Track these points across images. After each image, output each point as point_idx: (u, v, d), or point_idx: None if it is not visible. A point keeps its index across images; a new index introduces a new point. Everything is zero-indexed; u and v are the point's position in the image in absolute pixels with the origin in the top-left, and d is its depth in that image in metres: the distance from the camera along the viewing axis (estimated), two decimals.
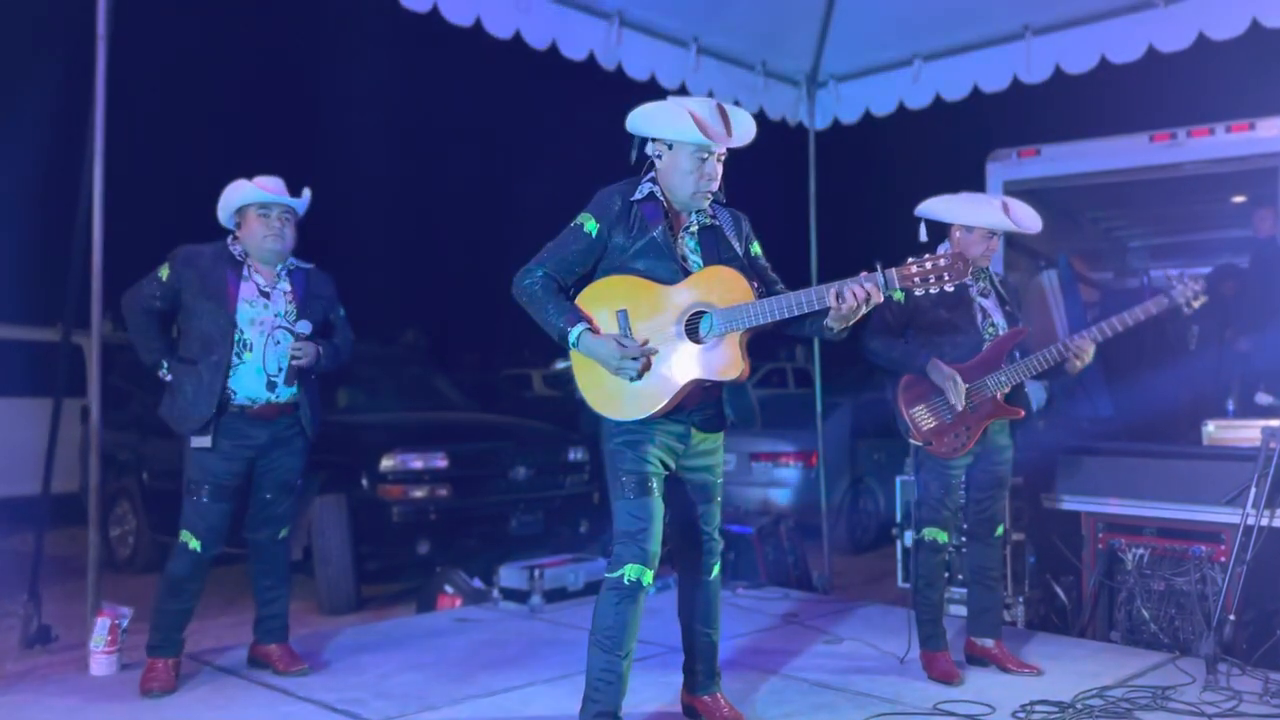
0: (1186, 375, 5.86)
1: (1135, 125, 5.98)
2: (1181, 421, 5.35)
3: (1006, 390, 3.90)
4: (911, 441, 3.94)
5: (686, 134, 3.09)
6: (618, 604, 3.04)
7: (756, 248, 3.32)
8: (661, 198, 3.18)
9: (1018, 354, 3.98)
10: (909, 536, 5.38)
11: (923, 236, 4.03)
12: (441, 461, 6.54)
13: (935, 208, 4.03)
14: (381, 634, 4.66)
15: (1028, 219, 4.04)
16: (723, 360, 3.04)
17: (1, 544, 8.10)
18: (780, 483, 8.77)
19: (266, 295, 3.90)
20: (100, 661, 3.93)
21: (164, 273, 3.86)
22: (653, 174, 3.20)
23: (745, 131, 3.18)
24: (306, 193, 4.00)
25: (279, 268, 3.96)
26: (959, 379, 3.82)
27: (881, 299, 3.04)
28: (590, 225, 3.13)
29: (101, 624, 3.92)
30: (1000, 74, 6.12)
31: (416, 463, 6.48)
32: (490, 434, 7.16)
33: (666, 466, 3.16)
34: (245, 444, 3.85)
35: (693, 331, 3.06)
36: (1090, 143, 6.09)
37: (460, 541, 6.66)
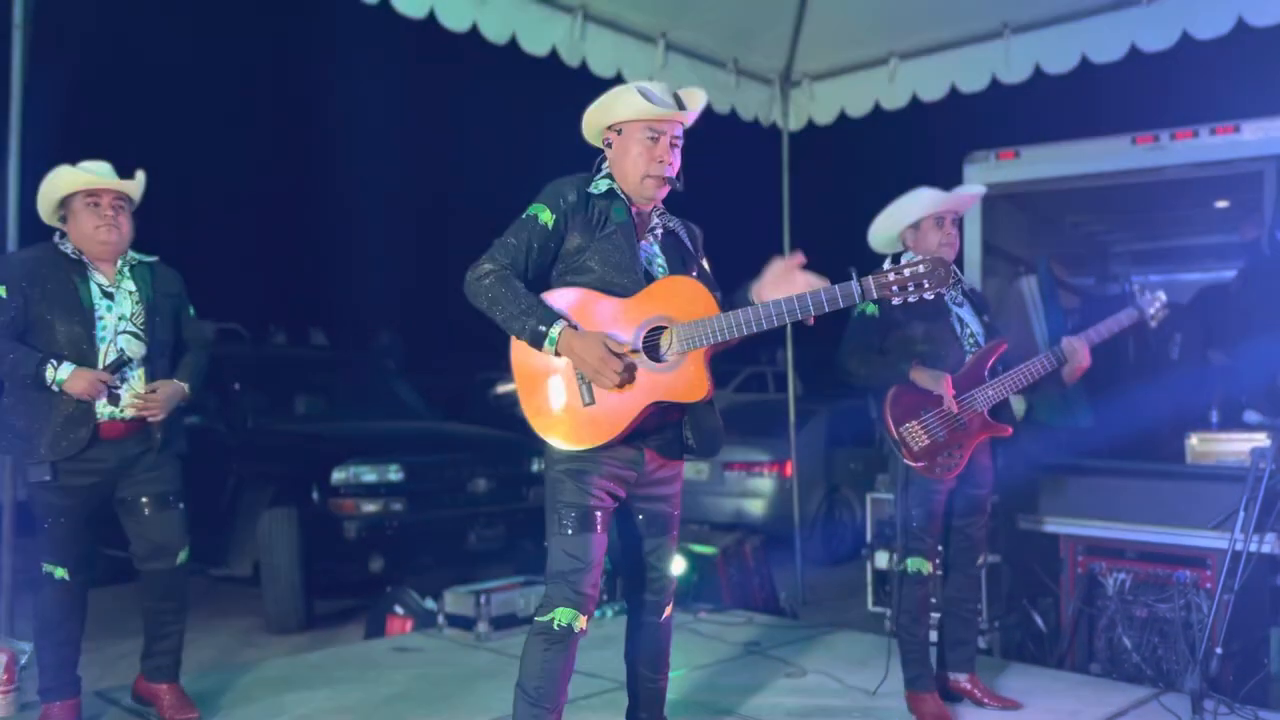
0: (1169, 385, 5.66)
1: (1117, 127, 5.79)
2: (1164, 433, 5.14)
3: (993, 405, 3.66)
4: (904, 462, 3.64)
5: (632, 108, 2.81)
6: (545, 651, 2.73)
7: (705, 264, 3.04)
8: (623, 195, 2.86)
9: (1000, 366, 3.73)
10: (880, 558, 5.18)
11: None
12: (396, 474, 6.29)
13: (879, 231, 3.85)
14: (312, 666, 4.37)
15: (965, 190, 3.88)
16: (684, 381, 2.72)
17: None
18: (753, 493, 8.55)
19: (110, 296, 3.49)
20: None
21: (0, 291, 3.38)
22: (607, 170, 2.90)
23: (696, 105, 2.90)
24: (139, 175, 3.56)
25: (119, 263, 3.53)
26: (948, 377, 3.58)
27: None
28: (545, 216, 2.78)
29: None
30: (979, 74, 6.03)
31: (369, 475, 6.22)
32: (448, 444, 6.90)
33: (615, 498, 2.84)
34: (89, 468, 3.43)
35: (651, 348, 2.74)
36: (1071, 145, 5.89)
37: (416, 558, 6.41)
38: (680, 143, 2.88)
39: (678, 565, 5.29)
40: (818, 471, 8.61)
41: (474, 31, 5.25)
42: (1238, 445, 4.42)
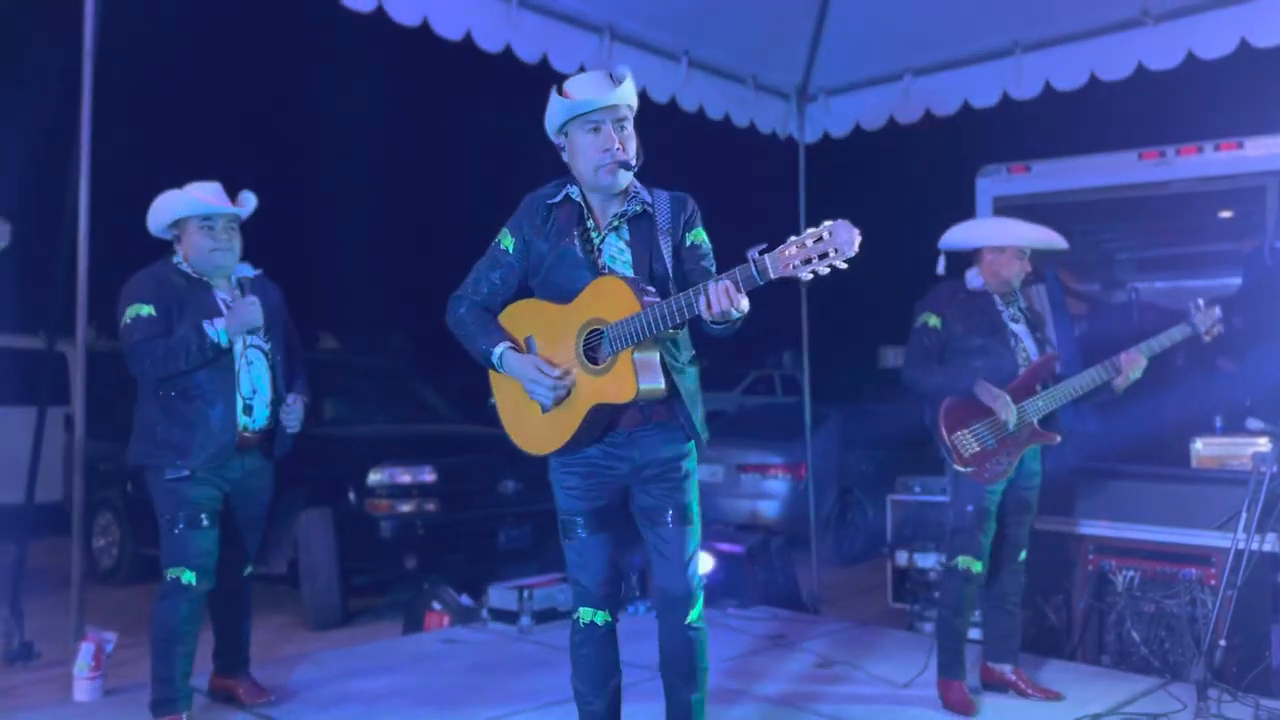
0: (1174, 391, 5.87)
1: (1124, 142, 6.00)
2: (1169, 438, 5.36)
3: (1043, 415, 3.89)
4: (955, 468, 3.88)
5: (560, 109, 2.84)
6: (580, 648, 2.95)
7: (697, 235, 2.92)
8: (579, 198, 2.89)
9: (1051, 379, 3.96)
10: (900, 556, 5.42)
11: (940, 269, 4.06)
12: (429, 475, 6.50)
13: (959, 235, 4.06)
14: (368, 657, 4.62)
15: (1055, 235, 4.09)
16: (615, 382, 2.73)
17: None
18: (768, 495, 8.74)
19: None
20: (84, 687, 3.87)
21: (146, 310, 3.55)
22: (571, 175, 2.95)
23: (627, 90, 2.85)
24: (249, 197, 3.75)
25: (233, 279, 3.74)
26: (1009, 397, 3.81)
27: (741, 295, 2.53)
28: (506, 242, 2.92)
29: (86, 649, 3.87)
30: (990, 89, 6.16)
31: (404, 477, 6.43)
32: (478, 447, 7.12)
33: (608, 494, 2.89)
34: (221, 475, 3.65)
35: (593, 350, 2.78)
36: (1080, 159, 6.10)
37: (448, 556, 6.63)
38: (627, 126, 2.85)
39: (705, 563, 5.55)
40: (830, 473, 8.78)
41: (508, 51, 5.46)
42: (1241, 450, 4.64)
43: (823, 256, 2.41)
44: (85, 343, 4.46)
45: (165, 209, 3.66)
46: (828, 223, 2.43)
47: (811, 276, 2.45)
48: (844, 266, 2.43)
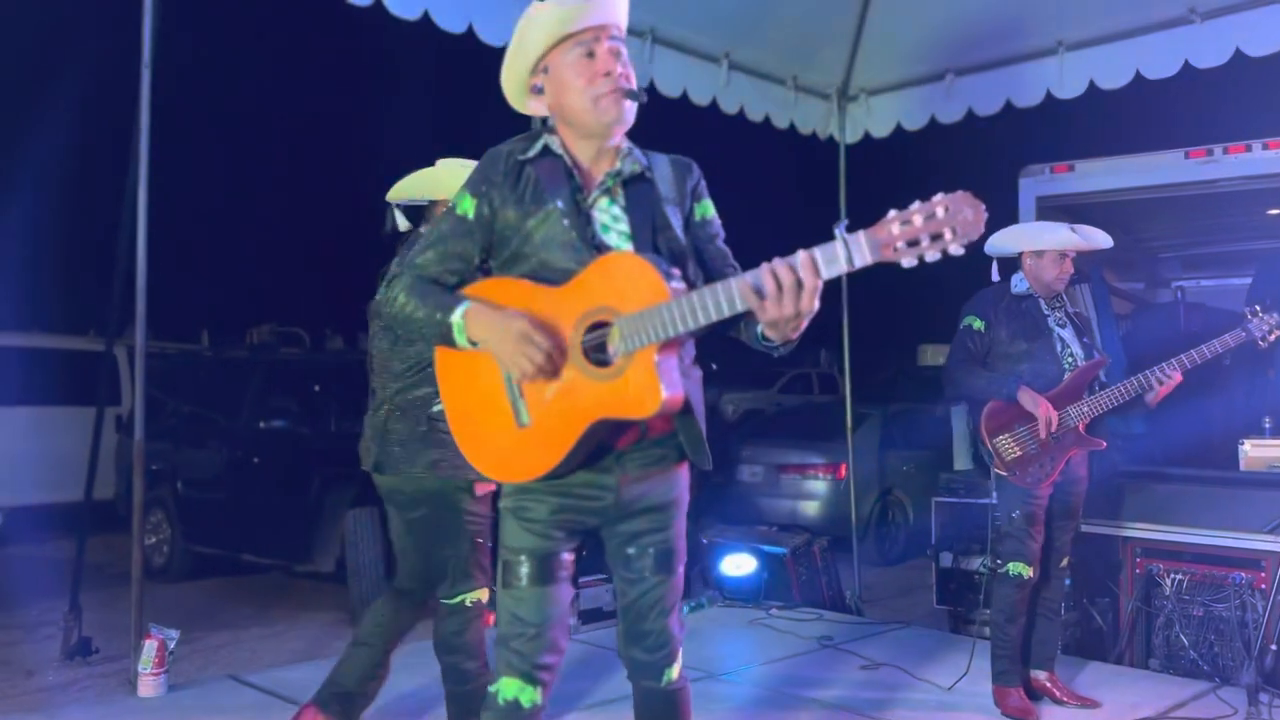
0: (1222, 392, 5.82)
1: (1170, 141, 5.94)
2: (1216, 440, 5.32)
3: (1088, 421, 3.87)
4: (996, 472, 3.87)
5: (544, 29, 2.18)
6: None
7: (706, 209, 2.33)
8: (562, 152, 2.22)
9: (1097, 385, 3.95)
10: (945, 557, 5.42)
11: (994, 276, 4.06)
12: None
13: (1001, 240, 4.04)
14: (420, 653, 4.66)
15: (1097, 235, 4.06)
16: (631, 390, 2.05)
17: (36, 552, 8.22)
18: (809, 495, 8.74)
19: None
20: (148, 683, 3.97)
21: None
22: (550, 125, 2.29)
23: (619, 3, 2.24)
24: None
25: None
26: (1049, 404, 3.79)
27: (819, 282, 1.93)
28: (464, 205, 2.22)
29: (149, 646, 3.96)
30: (1034, 89, 6.14)
31: None
32: None
33: (581, 533, 2.24)
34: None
35: (598, 349, 2.10)
36: (1125, 159, 6.04)
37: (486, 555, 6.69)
38: (624, 51, 2.23)
39: (747, 564, 5.57)
40: (871, 474, 8.78)
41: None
42: None
43: (936, 237, 1.86)
44: (143, 344, 4.52)
45: (451, 182, 3.03)
46: (942, 195, 1.87)
47: (916, 263, 1.90)
48: (960, 251, 1.88)
